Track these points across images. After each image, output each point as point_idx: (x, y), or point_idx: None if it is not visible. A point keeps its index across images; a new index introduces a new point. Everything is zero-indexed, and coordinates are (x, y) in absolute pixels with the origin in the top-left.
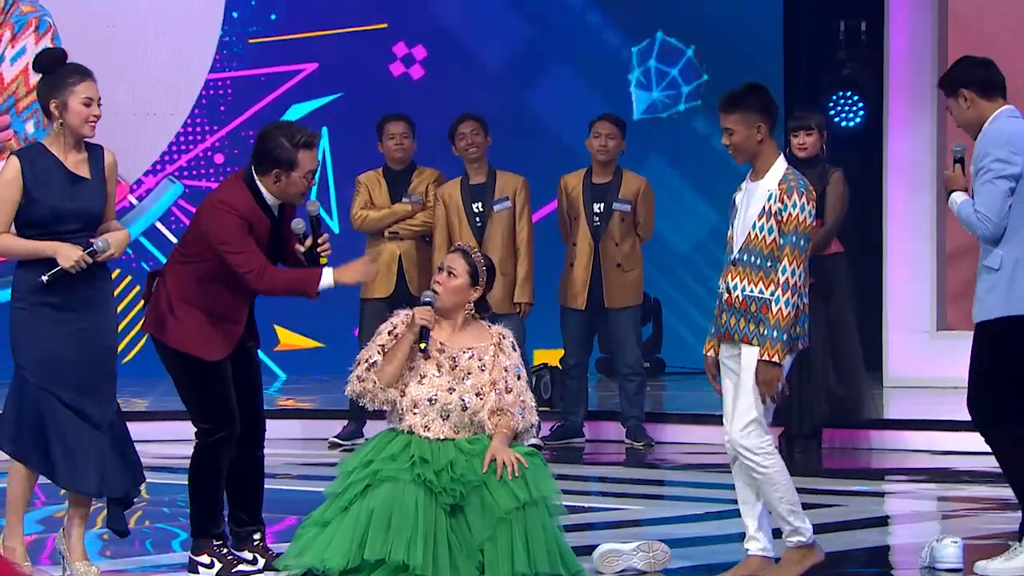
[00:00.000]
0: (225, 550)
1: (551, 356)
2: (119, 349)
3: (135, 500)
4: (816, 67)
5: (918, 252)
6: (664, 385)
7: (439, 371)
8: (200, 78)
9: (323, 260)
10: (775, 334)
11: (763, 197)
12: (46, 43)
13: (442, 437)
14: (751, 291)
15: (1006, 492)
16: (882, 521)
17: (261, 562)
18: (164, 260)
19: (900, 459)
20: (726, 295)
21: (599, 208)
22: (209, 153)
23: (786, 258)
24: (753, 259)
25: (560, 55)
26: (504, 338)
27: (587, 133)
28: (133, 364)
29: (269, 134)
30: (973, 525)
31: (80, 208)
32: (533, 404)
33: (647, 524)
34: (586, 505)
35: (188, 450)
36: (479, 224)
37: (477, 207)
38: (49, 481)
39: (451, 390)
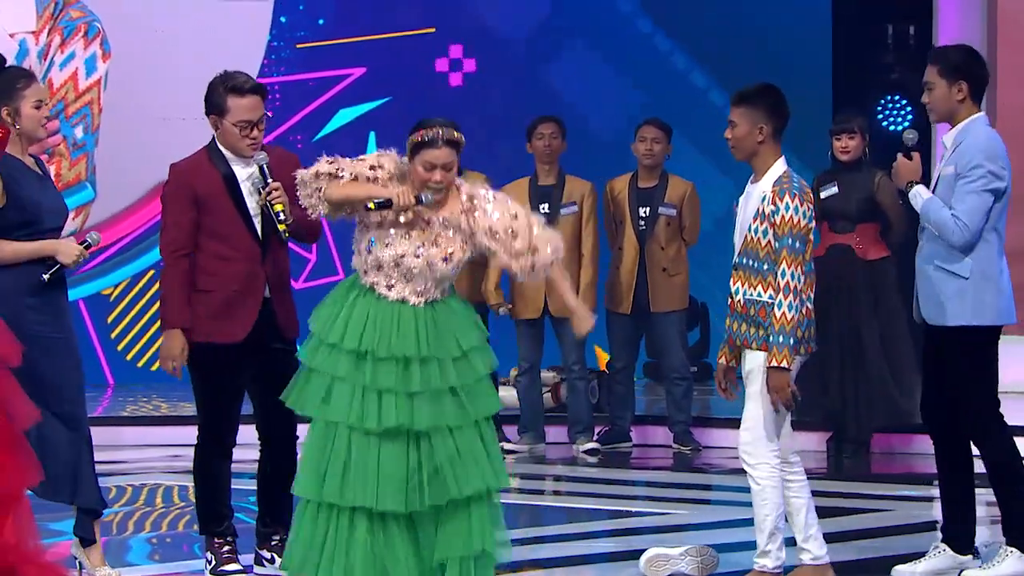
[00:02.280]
0: (227, 548)
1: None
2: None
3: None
4: (865, 71)
5: None
6: (711, 389)
7: (408, 235)
8: None
9: (278, 207)
10: (780, 339)
11: (758, 199)
12: (95, 48)
13: (402, 298)
14: (750, 295)
15: None
16: (931, 526)
17: (278, 561)
18: None
19: None
20: (730, 300)
21: (645, 212)
22: None
23: (783, 262)
24: (750, 262)
25: (607, 58)
26: (474, 199)
27: (633, 136)
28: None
29: (212, 81)
30: None
31: (56, 206)
32: (548, 230)
33: (694, 529)
34: (633, 510)
35: (239, 454)
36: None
37: (543, 208)
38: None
39: (417, 255)
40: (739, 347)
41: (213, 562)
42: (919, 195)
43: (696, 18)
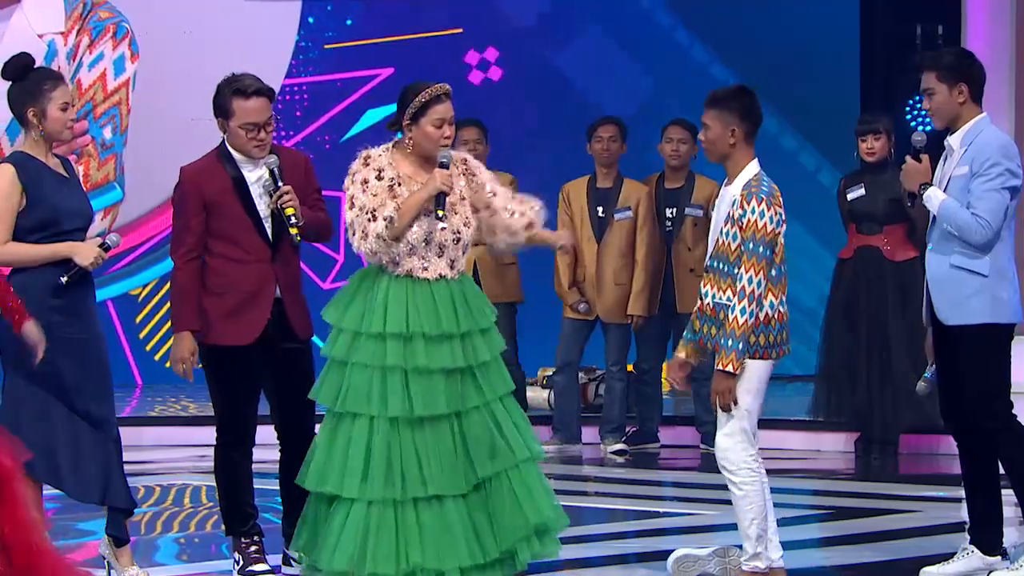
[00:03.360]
0: (254, 547)
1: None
2: None
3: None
4: (893, 72)
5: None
6: None
7: (428, 213)
8: (276, 83)
9: (289, 211)
10: (729, 343)
11: (729, 203)
12: (123, 49)
13: (440, 274)
14: (719, 298)
15: None
16: (959, 527)
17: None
18: None
19: None
20: (699, 302)
21: (671, 213)
22: None
23: (743, 265)
24: (720, 265)
25: (635, 58)
26: (467, 162)
27: (660, 138)
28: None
29: (219, 84)
30: None
31: (76, 207)
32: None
33: (722, 529)
34: (661, 510)
35: (263, 455)
36: (600, 229)
37: (600, 211)
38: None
39: (443, 228)
40: (707, 349)
41: (241, 562)
42: (934, 197)
43: (723, 18)
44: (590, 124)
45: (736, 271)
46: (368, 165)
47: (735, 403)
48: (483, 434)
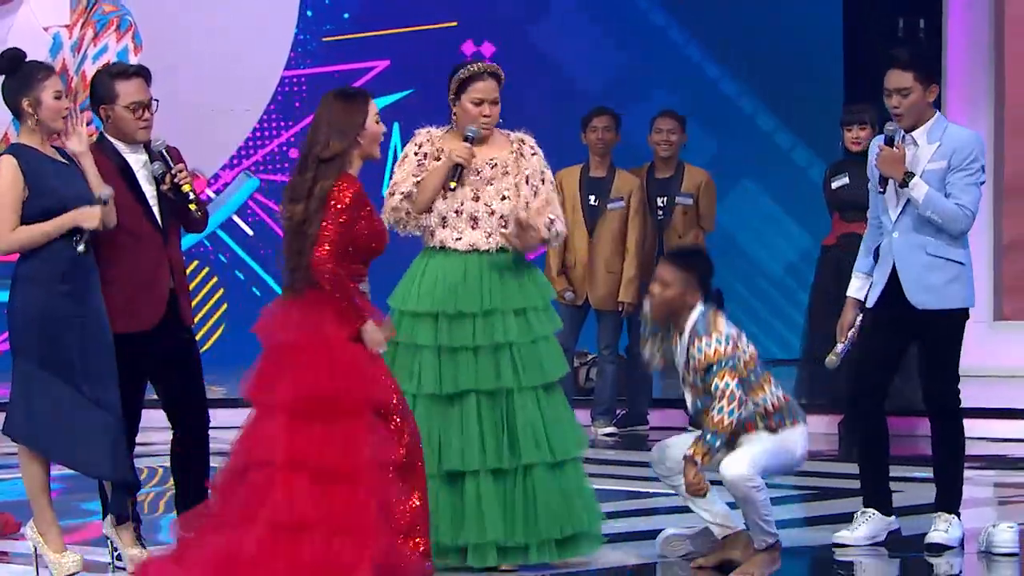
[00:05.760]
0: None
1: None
2: (197, 337)
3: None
4: (875, 64)
5: (975, 244)
6: None
7: (463, 184)
8: (276, 75)
9: (186, 187)
10: (708, 436)
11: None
12: (127, 42)
13: (472, 245)
14: (701, 403)
15: None
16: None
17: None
18: (240, 252)
19: None
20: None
21: (662, 202)
22: (284, 148)
23: (716, 375)
24: (696, 377)
25: (626, 52)
26: (524, 143)
27: (650, 129)
28: (213, 350)
29: (93, 77)
30: None
31: (79, 192)
32: (560, 212)
33: None
34: (650, 491)
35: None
36: (591, 217)
37: (592, 199)
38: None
39: (476, 198)
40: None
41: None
42: (920, 186)
43: (709, 11)
44: (584, 115)
45: (711, 379)
46: (413, 141)
47: (707, 488)
48: (527, 419)
